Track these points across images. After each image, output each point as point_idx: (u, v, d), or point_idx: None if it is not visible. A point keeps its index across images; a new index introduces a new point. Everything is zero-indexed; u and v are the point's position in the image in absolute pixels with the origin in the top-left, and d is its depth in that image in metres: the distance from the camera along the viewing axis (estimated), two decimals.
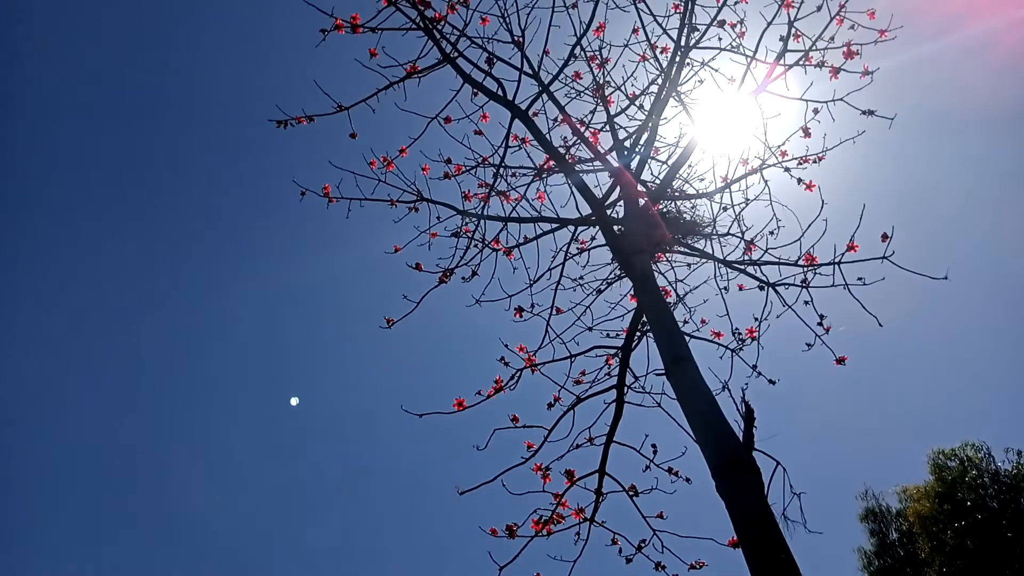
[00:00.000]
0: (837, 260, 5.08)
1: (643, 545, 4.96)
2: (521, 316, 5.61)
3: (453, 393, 4.92)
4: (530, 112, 5.54)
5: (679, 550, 4.86)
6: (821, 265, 5.21)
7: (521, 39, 5.63)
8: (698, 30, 5.52)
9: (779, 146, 5.89)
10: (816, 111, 5.64)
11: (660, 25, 5.40)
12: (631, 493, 4.88)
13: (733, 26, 5.67)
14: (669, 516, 4.79)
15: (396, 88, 5.17)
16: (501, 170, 6.00)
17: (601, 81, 6.24)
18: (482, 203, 5.99)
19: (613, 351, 5.45)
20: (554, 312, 5.76)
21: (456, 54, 5.14)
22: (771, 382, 5.62)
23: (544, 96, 5.71)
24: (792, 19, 5.40)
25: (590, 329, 5.85)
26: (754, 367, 5.63)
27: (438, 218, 5.68)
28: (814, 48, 5.51)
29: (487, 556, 4.32)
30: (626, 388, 5.17)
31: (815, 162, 5.84)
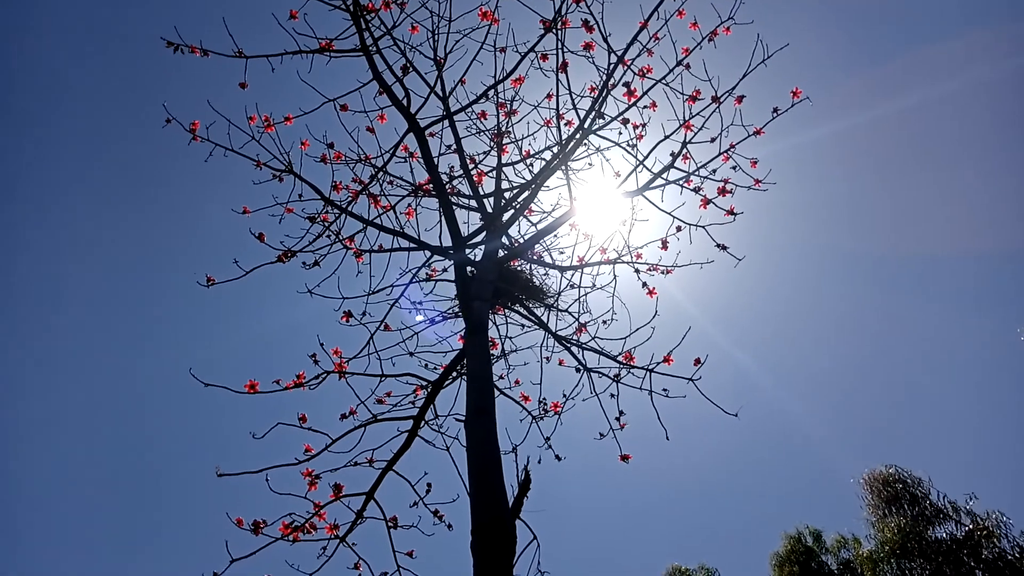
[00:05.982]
0: (650, 367, 5.43)
1: None
2: (348, 320, 5.51)
3: (251, 373, 4.73)
4: (427, 132, 5.56)
5: None
6: (635, 367, 5.54)
7: (443, 60, 5.69)
8: (603, 118, 5.80)
9: (637, 248, 6.26)
10: (679, 228, 6.07)
11: (572, 100, 5.62)
12: (390, 524, 4.85)
13: (636, 127, 6.02)
14: (418, 557, 4.80)
15: (304, 58, 5.03)
16: (380, 174, 5.96)
17: (503, 129, 6.39)
18: (351, 198, 5.90)
19: (424, 383, 5.46)
20: (382, 328, 5.71)
21: (375, 49, 5.09)
22: (558, 458, 5.87)
23: (446, 122, 5.76)
24: (686, 140, 5.82)
25: (411, 355, 5.84)
26: (547, 439, 5.85)
27: (300, 196, 5.52)
28: (696, 174, 5.95)
29: (223, 545, 4.13)
30: (424, 422, 5.19)
31: (664, 273, 6.24)
